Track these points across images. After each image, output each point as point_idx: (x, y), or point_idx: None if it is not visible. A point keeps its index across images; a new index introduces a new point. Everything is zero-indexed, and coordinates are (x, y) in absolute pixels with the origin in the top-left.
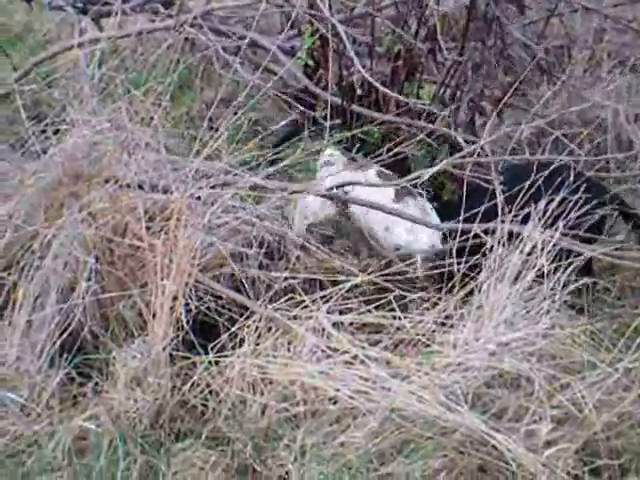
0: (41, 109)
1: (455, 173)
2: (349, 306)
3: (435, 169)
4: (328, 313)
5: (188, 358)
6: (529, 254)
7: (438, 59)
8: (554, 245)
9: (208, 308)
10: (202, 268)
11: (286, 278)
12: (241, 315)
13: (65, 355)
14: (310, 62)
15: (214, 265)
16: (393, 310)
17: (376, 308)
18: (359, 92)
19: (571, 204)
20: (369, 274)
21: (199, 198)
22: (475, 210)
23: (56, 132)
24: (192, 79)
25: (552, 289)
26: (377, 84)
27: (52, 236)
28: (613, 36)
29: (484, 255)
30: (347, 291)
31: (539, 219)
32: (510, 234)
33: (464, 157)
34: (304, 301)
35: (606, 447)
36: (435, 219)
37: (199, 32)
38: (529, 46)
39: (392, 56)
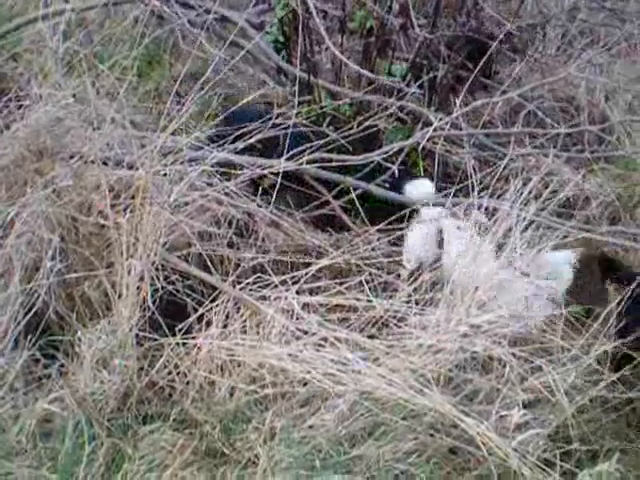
0: (4, 84)
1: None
2: (319, 285)
3: (404, 143)
4: (297, 293)
5: (155, 339)
6: (504, 235)
7: (410, 35)
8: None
9: (176, 288)
10: (169, 247)
11: (255, 258)
12: (209, 295)
13: (29, 336)
14: (280, 37)
15: (181, 244)
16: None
17: (347, 289)
18: (328, 67)
19: None
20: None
21: (165, 175)
22: None
23: (19, 107)
24: (161, 54)
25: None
26: (346, 60)
27: (15, 214)
28: (587, 15)
29: None
30: (318, 270)
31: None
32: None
33: (435, 131)
34: (273, 281)
35: (577, 431)
36: None
37: (165, 5)
38: (503, 24)
39: (364, 32)
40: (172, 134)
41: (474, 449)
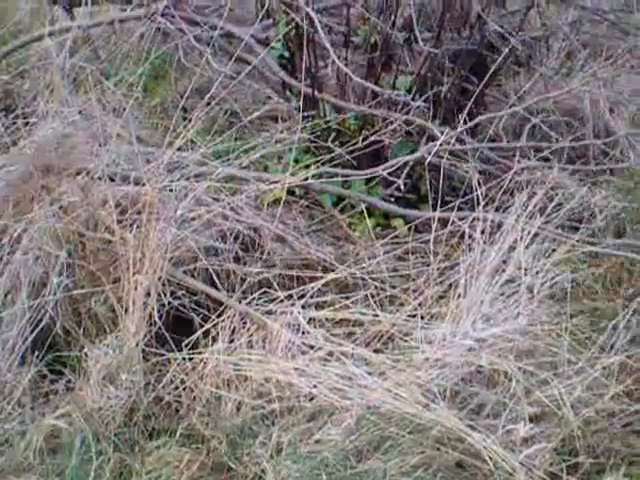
0: (11, 100)
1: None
2: (325, 300)
3: (408, 158)
4: (303, 308)
5: (162, 354)
6: (510, 249)
7: (414, 49)
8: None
9: (182, 303)
10: (176, 262)
11: (261, 272)
12: (215, 310)
13: (36, 352)
14: (285, 53)
15: (188, 259)
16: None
17: (353, 303)
18: (333, 82)
19: None
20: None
21: (172, 190)
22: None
23: (26, 124)
24: (166, 69)
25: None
26: (351, 74)
27: (22, 230)
28: (590, 27)
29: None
30: (324, 285)
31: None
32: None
33: (441, 145)
34: (279, 296)
35: (584, 444)
36: None
37: (171, 21)
38: (506, 37)
39: (368, 47)
40: (178, 149)
41: (481, 463)
